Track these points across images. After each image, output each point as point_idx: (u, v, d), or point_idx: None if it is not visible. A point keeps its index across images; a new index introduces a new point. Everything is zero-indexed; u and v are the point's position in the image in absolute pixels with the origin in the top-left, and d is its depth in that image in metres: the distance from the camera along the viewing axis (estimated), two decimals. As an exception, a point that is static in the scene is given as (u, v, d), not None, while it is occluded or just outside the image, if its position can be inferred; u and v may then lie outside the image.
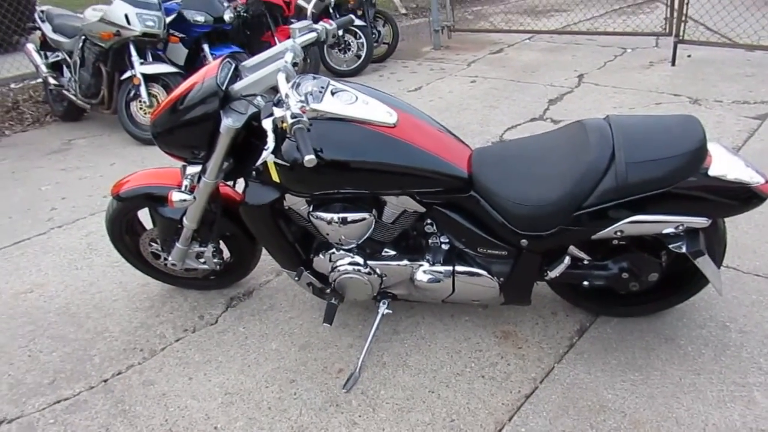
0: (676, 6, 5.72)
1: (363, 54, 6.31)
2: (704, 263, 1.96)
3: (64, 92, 5.19)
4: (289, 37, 2.18)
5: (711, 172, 1.85)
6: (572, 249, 2.06)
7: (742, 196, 1.86)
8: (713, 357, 2.14)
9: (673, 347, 2.21)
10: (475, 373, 2.18)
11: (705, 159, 1.87)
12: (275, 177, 2.00)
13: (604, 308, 2.37)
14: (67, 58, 5.11)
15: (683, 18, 5.58)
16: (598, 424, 1.93)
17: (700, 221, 1.89)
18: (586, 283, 2.16)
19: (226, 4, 5.32)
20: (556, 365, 2.18)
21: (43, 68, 5.22)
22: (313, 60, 5.95)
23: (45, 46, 5.27)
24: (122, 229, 2.58)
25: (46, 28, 5.15)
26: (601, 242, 2.06)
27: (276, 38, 5.82)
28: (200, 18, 5.04)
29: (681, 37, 5.66)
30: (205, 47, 5.16)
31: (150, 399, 2.18)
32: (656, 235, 1.95)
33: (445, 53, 7.12)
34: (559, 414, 1.98)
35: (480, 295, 2.19)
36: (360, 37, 6.26)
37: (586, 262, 2.13)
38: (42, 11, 5.25)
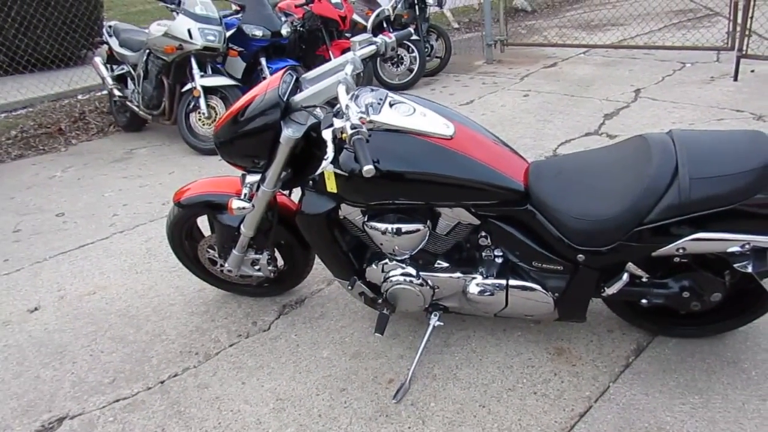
0: (739, 20, 5.55)
1: (415, 68, 6.34)
2: (771, 284, 1.89)
3: (128, 103, 5.42)
4: (344, 51, 2.23)
5: (781, 190, 1.78)
6: (630, 266, 2.01)
7: (814, 216, 1.79)
8: (780, 383, 2.06)
9: (736, 371, 2.12)
10: (528, 389, 2.15)
11: (774, 176, 1.80)
12: (332, 187, 2.03)
13: (663, 328, 2.30)
14: (132, 71, 5.33)
15: (747, 32, 5.41)
16: (655, 447, 1.88)
17: (768, 240, 1.82)
18: (644, 301, 2.11)
19: (283, 19, 5.46)
20: (612, 384, 2.13)
21: (109, 80, 5.46)
22: (367, 74, 6.02)
23: (111, 59, 5.52)
24: (182, 235, 2.66)
25: (113, 42, 5.39)
26: (662, 260, 2.01)
27: (331, 52, 5.92)
28: (258, 32, 5.18)
29: (744, 52, 5.48)
30: (263, 61, 5.30)
31: (204, 401, 2.24)
32: (720, 253, 1.89)
33: (497, 67, 7.09)
34: (614, 435, 1.93)
35: (534, 310, 2.16)
36: (413, 51, 6.30)
37: (644, 279, 2.08)
38: (110, 26, 5.51)
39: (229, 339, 2.57)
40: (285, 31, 5.31)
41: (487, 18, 7.30)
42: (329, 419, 2.10)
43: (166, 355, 2.50)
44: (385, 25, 6.20)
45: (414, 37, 6.18)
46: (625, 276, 2.01)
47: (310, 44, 6.05)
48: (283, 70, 2.17)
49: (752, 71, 5.67)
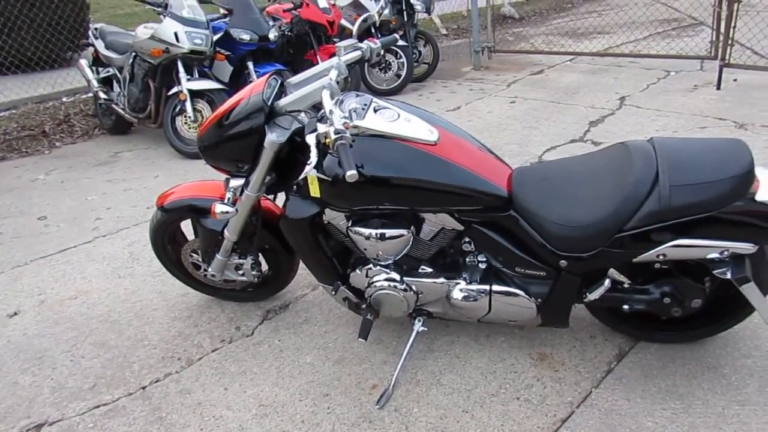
0: (722, 30, 5.63)
1: (403, 73, 6.36)
2: (750, 291, 1.90)
3: (113, 106, 5.38)
4: (331, 56, 2.22)
5: (759, 198, 1.80)
6: (612, 272, 2.03)
7: (791, 223, 1.81)
8: (758, 388, 2.07)
9: (717, 376, 2.14)
10: (510, 395, 2.15)
11: (753, 184, 1.82)
12: (315, 192, 2.03)
13: (645, 333, 2.32)
14: (118, 74, 5.31)
15: (729, 42, 5.48)
16: (636, 452, 1.89)
17: (747, 247, 1.84)
18: (626, 307, 2.12)
19: (271, 23, 5.47)
20: (594, 390, 2.14)
21: (94, 83, 5.43)
22: (354, 79, 6.03)
23: (97, 62, 5.49)
24: (165, 240, 2.65)
25: (99, 44, 5.35)
26: (643, 266, 2.03)
27: (318, 57, 5.93)
28: (246, 36, 5.17)
29: (727, 61, 5.55)
30: (250, 65, 5.29)
31: (186, 407, 2.22)
32: (700, 260, 1.91)
33: (485, 74, 7.13)
34: (596, 440, 1.94)
35: (517, 315, 2.17)
36: (400, 57, 6.33)
37: (626, 285, 2.10)
38: (96, 28, 5.47)
39: (212, 344, 2.56)
40: (273, 35, 5.31)
41: (474, 25, 7.35)
42: (312, 425, 2.09)
43: (147, 361, 2.48)
44: (372, 31, 6.21)
45: (402, 42, 6.26)
46: (607, 282, 2.02)
47: (298, 49, 6.06)
48: (268, 75, 2.17)
49: (735, 80, 5.75)
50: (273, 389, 2.27)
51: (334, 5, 6.29)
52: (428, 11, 6.94)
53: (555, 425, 2.01)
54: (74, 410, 2.24)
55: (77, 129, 5.96)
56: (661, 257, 1.88)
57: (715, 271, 1.90)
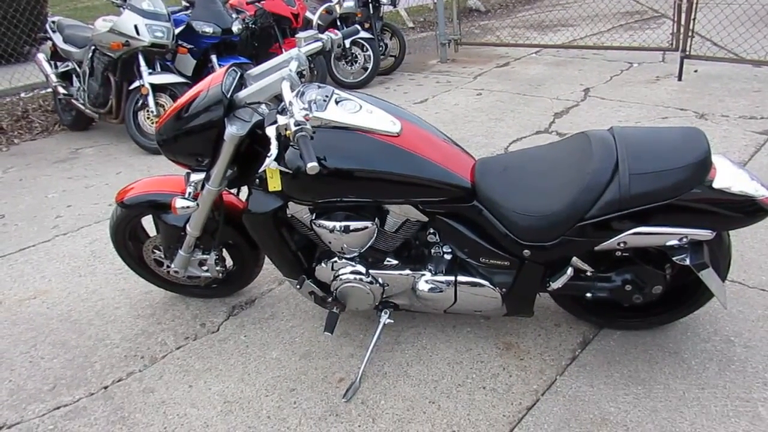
0: (682, 22, 5.73)
1: (369, 66, 6.33)
2: (708, 276, 1.94)
3: (73, 102, 5.24)
4: (296, 48, 2.19)
5: (716, 185, 1.83)
6: (575, 260, 2.05)
7: (747, 209, 1.85)
8: (717, 371, 2.12)
9: (677, 361, 2.18)
10: (477, 384, 2.16)
11: (709, 171, 1.85)
12: (274, 186, 1.99)
13: (608, 321, 2.35)
14: (77, 68, 5.17)
15: (690, 33, 5.58)
16: (600, 437, 1.91)
17: (705, 234, 1.88)
18: (589, 294, 2.15)
19: (234, 16, 5.38)
20: (559, 377, 2.17)
21: (53, 78, 5.28)
22: (320, 72, 5.99)
23: (55, 56, 5.34)
24: (126, 236, 2.59)
25: (57, 38, 5.21)
26: (605, 254, 2.05)
27: (283, 50, 5.85)
28: (209, 29, 5.09)
29: (687, 53, 5.65)
30: (213, 58, 5.21)
31: (149, 406, 2.18)
32: (660, 247, 1.94)
33: (451, 66, 7.15)
34: (560, 426, 1.96)
35: (482, 305, 2.18)
36: (367, 50, 6.30)
37: (589, 273, 2.12)
38: (53, 22, 5.32)
39: (176, 342, 2.51)
40: (236, 28, 5.23)
41: (440, 17, 7.35)
42: (278, 420, 2.07)
43: (109, 360, 2.43)
44: (338, 23, 6.17)
45: (368, 35, 6.22)
46: (570, 270, 2.04)
47: (262, 42, 5.97)
48: (227, 66, 2.13)
49: (695, 71, 5.86)
50: (238, 385, 2.25)
51: (298, -3, 6.23)
52: (394, 4, 6.92)
53: (520, 413, 2.03)
54: (33, 412, 2.19)
55: (36, 125, 5.80)
56: (621, 245, 1.91)
57: (674, 258, 1.93)
